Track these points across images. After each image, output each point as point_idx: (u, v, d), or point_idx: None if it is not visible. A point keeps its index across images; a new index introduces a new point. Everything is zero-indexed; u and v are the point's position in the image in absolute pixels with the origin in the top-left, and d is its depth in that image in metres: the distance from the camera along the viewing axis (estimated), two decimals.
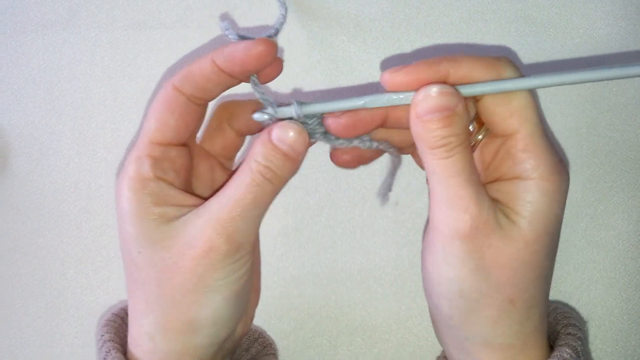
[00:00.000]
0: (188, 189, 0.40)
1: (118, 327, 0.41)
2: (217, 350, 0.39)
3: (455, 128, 0.34)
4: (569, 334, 0.38)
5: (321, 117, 0.38)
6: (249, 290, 0.39)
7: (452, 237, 0.35)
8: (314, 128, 0.38)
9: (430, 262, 0.37)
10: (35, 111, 0.52)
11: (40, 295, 0.52)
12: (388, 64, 0.50)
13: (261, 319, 0.50)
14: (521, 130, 0.35)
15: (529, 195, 0.35)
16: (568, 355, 0.36)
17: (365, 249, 0.50)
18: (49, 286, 0.52)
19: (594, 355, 0.49)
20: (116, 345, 0.39)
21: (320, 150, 0.50)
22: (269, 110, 0.38)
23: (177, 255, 0.36)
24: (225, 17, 0.50)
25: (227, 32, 0.39)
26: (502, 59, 0.36)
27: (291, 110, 0.38)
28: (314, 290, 0.50)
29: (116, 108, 0.52)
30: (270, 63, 0.38)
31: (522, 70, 0.37)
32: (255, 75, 0.38)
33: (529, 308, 0.36)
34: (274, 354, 0.45)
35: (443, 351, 0.43)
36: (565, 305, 0.43)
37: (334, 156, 0.41)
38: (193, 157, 0.41)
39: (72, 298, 0.52)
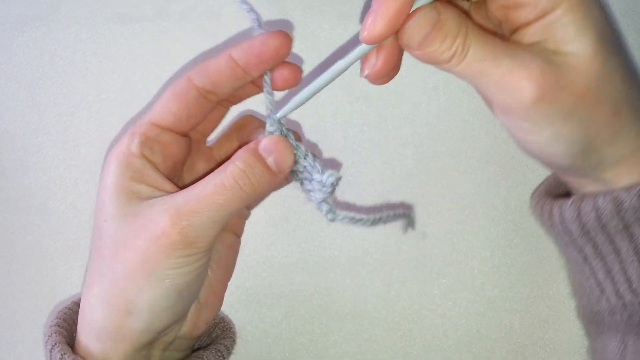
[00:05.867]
0: (173, 177, 0.40)
1: (69, 317, 0.42)
2: (153, 339, 0.39)
3: (447, 40, 0.34)
4: None
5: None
6: (195, 291, 0.39)
7: (528, 105, 0.34)
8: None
9: (527, 140, 0.36)
10: (18, 108, 0.52)
11: (31, 292, 0.52)
12: None
13: (252, 308, 0.50)
14: None
15: (561, 18, 0.34)
16: None
17: (353, 236, 0.51)
18: (39, 283, 0.52)
19: None
20: (62, 338, 0.39)
21: (307, 142, 0.51)
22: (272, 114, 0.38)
23: (133, 233, 0.36)
24: None
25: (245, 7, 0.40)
26: None
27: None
28: (303, 278, 0.51)
29: (99, 103, 0.52)
30: (285, 56, 0.38)
31: None
32: (268, 74, 0.38)
33: (635, 109, 0.36)
34: (232, 337, 0.44)
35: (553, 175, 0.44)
36: None
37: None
38: (194, 153, 0.42)
39: (62, 294, 0.52)
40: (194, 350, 0.44)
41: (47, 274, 0.52)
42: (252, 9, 0.41)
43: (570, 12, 0.34)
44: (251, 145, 0.37)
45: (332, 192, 0.38)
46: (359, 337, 0.51)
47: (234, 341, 0.44)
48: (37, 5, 0.52)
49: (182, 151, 0.40)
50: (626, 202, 0.36)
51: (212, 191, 0.35)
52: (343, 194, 0.51)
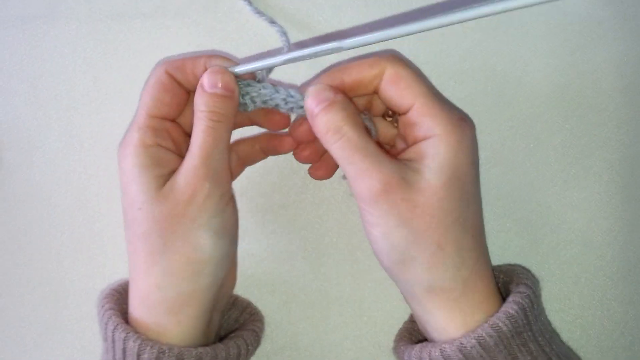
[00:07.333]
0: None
1: (118, 297, 0.45)
2: (215, 296, 0.44)
3: (334, 115, 0.41)
4: (519, 292, 0.41)
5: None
6: (235, 233, 0.45)
7: (370, 201, 0.40)
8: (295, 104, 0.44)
9: (366, 229, 0.42)
10: (21, 105, 0.53)
11: (38, 286, 0.53)
12: None
13: (253, 295, 0.52)
14: (416, 102, 0.41)
15: (433, 149, 0.40)
16: (514, 312, 0.40)
17: (351, 223, 0.52)
18: (46, 276, 0.53)
19: (570, 312, 0.52)
20: (117, 312, 0.43)
21: None
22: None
23: (172, 206, 0.41)
24: None
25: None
26: (387, 55, 0.43)
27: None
28: (302, 265, 0.52)
29: (100, 97, 0.53)
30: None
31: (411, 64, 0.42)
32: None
33: (460, 251, 0.40)
34: (260, 320, 0.49)
35: (410, 319, 0.49)
36: (522, 267, 0.46)
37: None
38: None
39: (70, 286, 0.53)
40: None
41: (52, 269, 0.53)
42: (283, 31, 0.47)
43: (440, 144, 0.40)
44: (198, 89, 0.42)
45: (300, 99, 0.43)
46: (358, 320, 0.52)
47: (262, 323, 0.49)
48: (37, 4, 0.53)
49: (181, 134, 0.45)
50: (452, 355, 0.39)
51: (204, 136, 0.41)
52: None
